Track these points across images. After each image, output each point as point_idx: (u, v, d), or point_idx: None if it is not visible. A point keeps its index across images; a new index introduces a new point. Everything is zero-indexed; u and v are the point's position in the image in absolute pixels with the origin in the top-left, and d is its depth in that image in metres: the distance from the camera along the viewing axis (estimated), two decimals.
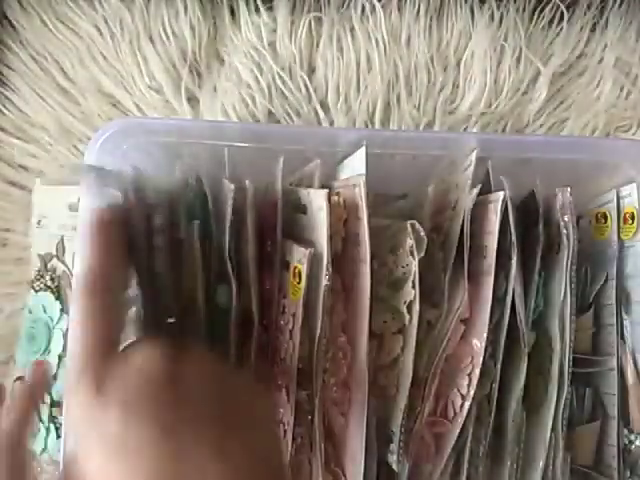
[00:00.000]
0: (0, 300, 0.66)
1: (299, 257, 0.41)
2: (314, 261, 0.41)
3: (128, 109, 0.69)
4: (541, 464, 0.46)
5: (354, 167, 0.44)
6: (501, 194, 0.43)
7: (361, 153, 0.43)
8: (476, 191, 0.43)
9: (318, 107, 0.68)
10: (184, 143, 0.47)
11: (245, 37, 0.68)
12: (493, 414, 0.45)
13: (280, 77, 0.67)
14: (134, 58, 0.68)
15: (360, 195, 0.41)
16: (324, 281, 0.41)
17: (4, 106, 0.67)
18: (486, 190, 0.45)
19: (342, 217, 0.43)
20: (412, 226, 0.42)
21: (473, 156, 0.45)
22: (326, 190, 0.42)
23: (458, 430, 0.44)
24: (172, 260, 0.40)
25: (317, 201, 0.42)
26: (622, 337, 0.49)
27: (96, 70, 0.68)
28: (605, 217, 0.50)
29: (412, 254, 0.42)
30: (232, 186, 0.41)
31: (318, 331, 0.42)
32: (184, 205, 0.42)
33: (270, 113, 0.68)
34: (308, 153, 0.46)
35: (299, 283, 0.41)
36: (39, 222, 0.65)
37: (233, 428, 0.31)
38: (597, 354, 0.50)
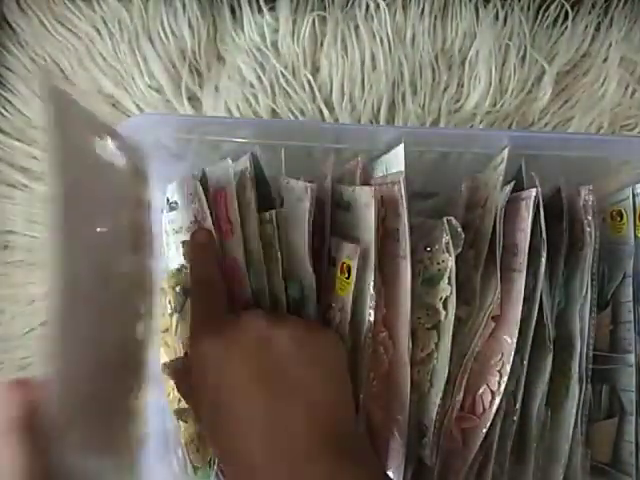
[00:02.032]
0: (2, 302, 0.65)
1: (348, 253, 0.42)
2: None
3: (128, 109, 0.68)
4: (563, 461, 0.46)
5: (390, 164, 0.45)
6: (533, 191, 0.43)
7: (399, 150, 0.43)
8: (509, 188, 0.43)
9: (322, 106, 0.67)
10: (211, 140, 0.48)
11: (248, 37, 0.67)
12: (519, 411, 0.45)
13: (283, 76, 0.67)
14: (133, 58, 0.67)
15: (400, 192, 0.42)
16: (371, 276, 0.41)
17: (4, 108, 0.66)
18: (518, 187, 0.45)
19: (380, 214, 0.43)
20: (448, 222, 0.43)
21: (505, 154, 0.45)
22: (372, 187, 0.42)
23: (487, 426, 0.44)
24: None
25: (363, 198, 0.42)
26: (639, 334, 0.49)
27: (95, 71, 0.67)
28: (620, 215, 0.50)
29: (448, 250, 0.42)
30: (314, 185, 0.42)
31: (365, 326, 0.42)
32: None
33: (274, 112, 0.67)
34: (347, 151, 0.48)
35: (348, 278, 0.42)
36: None
37: (311, 380, 0.38)
38: (615, 351, 0.50)
